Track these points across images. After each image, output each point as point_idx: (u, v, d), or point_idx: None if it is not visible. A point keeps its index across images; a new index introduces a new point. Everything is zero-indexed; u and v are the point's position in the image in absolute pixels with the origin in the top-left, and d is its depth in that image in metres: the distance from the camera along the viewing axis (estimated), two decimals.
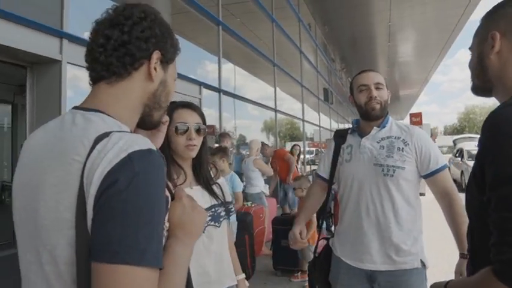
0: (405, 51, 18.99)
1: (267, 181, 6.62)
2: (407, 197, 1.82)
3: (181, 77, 5.45)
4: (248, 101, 8.85)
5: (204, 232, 1.55)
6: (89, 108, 0.82)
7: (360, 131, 1.98)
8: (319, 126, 15.95)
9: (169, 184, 0.89)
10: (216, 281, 1.62)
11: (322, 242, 2.17)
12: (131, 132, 0.82)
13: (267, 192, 5.87)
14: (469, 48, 1.17)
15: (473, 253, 1.07)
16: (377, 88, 1.92)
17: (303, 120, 13.16)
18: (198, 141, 1.61)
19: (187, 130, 1.58)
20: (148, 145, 0.73)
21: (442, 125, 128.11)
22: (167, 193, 0.83)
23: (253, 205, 5.38)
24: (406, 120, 13.97)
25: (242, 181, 6.08)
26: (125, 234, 0.65)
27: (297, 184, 4.50)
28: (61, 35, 3.32)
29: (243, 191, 6.01)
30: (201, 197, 1.62)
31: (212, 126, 7.01)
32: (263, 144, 7.16)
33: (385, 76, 24.75)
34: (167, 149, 1.57)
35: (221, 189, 1.72)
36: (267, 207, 5.69)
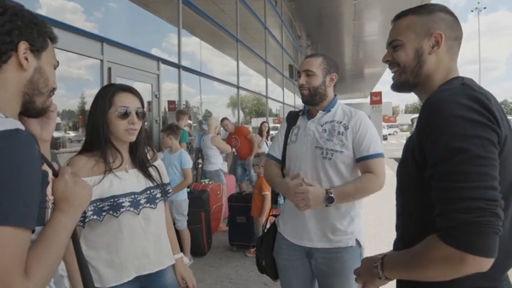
0: (370, 29, 19.17)
1: (226, 158, 6.66)
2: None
3: (138, 52, 5.31)
4: (210, 78, 8.75)
5: (139, 214, 1.59)
6: None
7: (308, 114, 2.06)
8: (283, 103, 16.07)
9: (53, 164, 1.02)
10: (156, 262, 1.67)
11: (271, 219, 2.27)
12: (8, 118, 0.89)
13: (225, 169, 5.93)
14: (393, 41, 1.20)
15: (403, 232, 1.17)
16: (307, 75, 1.97)
17: (267, 97, 13.21)
18: (138, 125, 1.63)
19: (128, 114, 1.59)
20: (15, 125, 0.83)
21: (403, 104, 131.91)
22: (47, 168, 0.96)
23: (210, 182, 5.44)
24: (368, 99, 14.27)
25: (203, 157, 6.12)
26: None
27: (255, 161, 4.58)
28: None
29: (201, 168, 6.07)
30: (136, 180, 1.65)
31: (173, 102, 6.93)
32: (225, 119, 7.17)
33: (351, 54, 25.14)
34: (106, 132, 1.58)
35: (158, 172, 1.75)
36: (225, 184, 5.76)
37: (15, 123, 0.84)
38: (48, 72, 1.02)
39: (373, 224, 5.66)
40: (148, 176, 1.70)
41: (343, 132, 1.89)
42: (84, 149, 1.61)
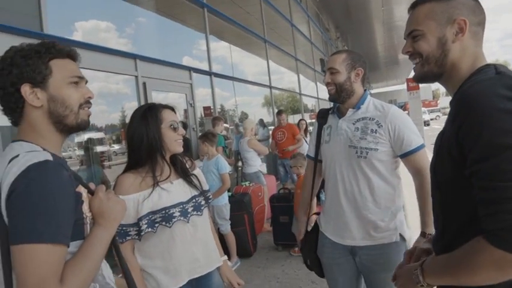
0: (400, 14, 18.59)
1: (265, 159, 6.69)
2: (383, 176, 1.87)
3: (170, 64, 5.47)
4: (241, 81, 8.84)
5: (188, 222, 1.69)
6: (14, 140, 1.08)
7: (338, 112, 2.03)
8: (318, 98, 15.92)
9: (88, 185, 1.15)
10: (205, 265, 1.77)
11: (314, 217, 2.27)
12: (44, 149, 1.04)
13: (264, 170, 5.97)
14: (413, 31, 1.14)
15: (443, 231, 1.08)
16: (331, 73, 1.95)
17: (300, 94, 13.15)
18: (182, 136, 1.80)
19: (177, 127, 1.75)
20: (45, 157, 0.98)
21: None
22: (81, 190, 1.09)
23: (251, 184, 5.50)
24: (405, 85, 13.84)
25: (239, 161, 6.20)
26: (25, 222, 0.91)
27: (293, 162, 4.57)
28: None
29: (241, 171, 6.15)
30: (181, 190, 1.75)
31: (209, 108, 7.07)
32: (282, 112, 7.18)
33: (383, 41, 24.48)
34: (160, 146, 1.71)
35: (198, 180, 1.85)
36: (266, 185, 5.81)
37: (45, 155, 0.99)
38: (62, 94, 1.10)
39: (416, 214, 5.51)
40: (192, 185, 1.80)
41: (376, 130, 1.86)
42: (130, 167, 1.73)
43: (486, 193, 0.87)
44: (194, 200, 1.76)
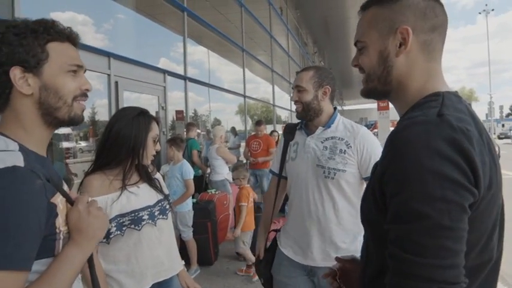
0: None
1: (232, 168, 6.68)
2: (349, 198, 1.84)
3: (144, 65, 5.40)
4: (215, 88, 8.82)
5: (155, 225, 1.70)
6: None
7: (306, 128, 1.99)
8: (291, 111, 16.09)
9: (68, 193, 1.00)
10: (169, 268, 1.78)
11: (272, 234, 2.19)
12: (20, 146, 0.89)
13: (231, 179, 5.95)
14: (357, 42, 0.98)
15: (367, 262, 0.98)
16: (298, 91, 1.92)
17: (274, 105, 13.26)
18: None
19: (156, 141, 1.79)
20: (13, 162, 0.82)
21: None
22: (57, 200, 0.92)
23: (217, 192, 5.47)
24: (375, 104, 14.21)
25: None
26: None
27: (235, 174, 4.44)
28: None
29: (208, 178, 6.11)
30: (147, 194, 1.75)
31: (181, 112, 7.01)
32: (261, 124, 7.18)
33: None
34: (141, 153, 1.70)
35: (159, 184, 1.85)
36: (231, 194, 5.80)
37: (15, 159, 0.83)
38: (57, 83, 0.96)
39: None
40: (157, 189, 1.80)
41: (345, 151, 1.82)
42: (98, 167, 1.68)
43: (392, 260, 0.77)
44: (160, 204, 1.77)
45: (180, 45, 6.75)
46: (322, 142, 1.88)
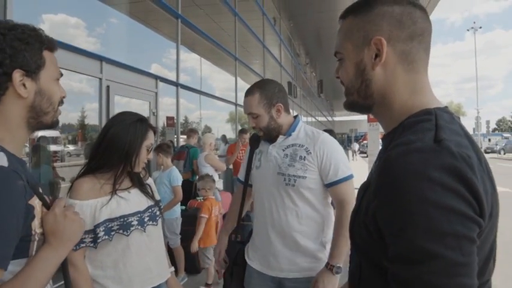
0: None
1: (222, 175, 6.68)
2: (312, 205, 1.81)
3: (137, 70, 5.40)
4: (207, 95, 8.84)
5: (145, 231, 1.67)
6: None
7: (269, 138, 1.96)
8: None
9: (44, 196, 1.00)
10: (157, 276, 1.73)
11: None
12: (5, 151, 0.90)
13: (220, 187, 5.95)
14: (336, 53, 0.94)
15: (361, 282, 0.91)
16: (252, 117, 1.90)
17: None
18: None
19: (150, 150, 1.76)
20: None
21: None
22: (34, 203, 0.94)
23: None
24: (365, 116, 14.32)
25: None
26: None
27: (201, 184, 4.30)
28: None
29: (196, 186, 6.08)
30: (138, 200, 1.72)
31: (172, 118, 7.00)
32: (243, 130, 7.15)
33: None
34: (133, 160, 1.68)
35: (151, 189, 1.83)
36: (220, 201, 5.77)
37: None
38: (51, 89, 1.01)
39: None
40: (148, 194, 1.78)
41: (305, 157, 1.80)
42: (89, 170, 1.65)
43: None
44: (150, 210, 1.74)
45: (173, 51, 6.77)
46: (283, 150, 1.87)
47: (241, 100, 10.30)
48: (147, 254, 1.69)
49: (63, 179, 4.69)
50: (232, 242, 2.15)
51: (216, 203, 4.26)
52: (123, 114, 1.74)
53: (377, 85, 0.86)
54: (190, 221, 4.56)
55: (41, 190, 1.01)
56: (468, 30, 48.87)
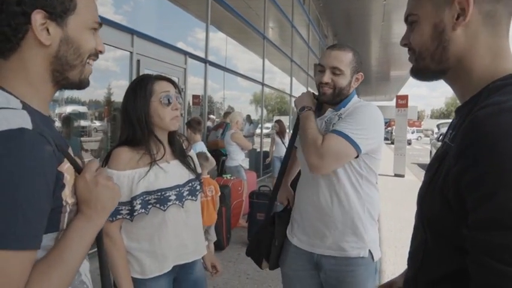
0: (398, 32, 18.82)
1: (248, 155, 6.67)
2: (351, 182, 1.69)
3: (167, 45, 5.37)
4: (235, 74, 8.77)
5: (183, 207, 1.60)
6: None
7: (319, 110, 1.85)
8: None
9: (77, 158, 0.88)
10: (193, 252, 1.69)
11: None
12: (26, 106, 0.78)
13: (246, 165, 5.93)
14: (408, 16, 0.87)
15: (424, 265, 0.85)
16: (333, 73, 1.71)
17: (291, 95, 13.15)
18: (180, 111, 1.63)
19: (171, 101, 1.57)
20: (19, 124, 0.70)
21: (429, 109, 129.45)
22: (64, 169, 0.80)
23: (232, 178, 5.45)
24: (393, 102, 14.02)
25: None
26: None
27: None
28: None
29: (224, 163, 6.09)
30: (179, 172, 1.65)
31: (198, 97, 6.98)
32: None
33: (377, 55, 24.78)
34: (149, 122, 1.56)
35: (193, 162, 1.75)
36: (246, 180, 5.77)
37: (20, 120, 0.72)
38: (80, 39, 0.86)
39: (393, 229, 5.57)
40: (189, 167, 1.70)
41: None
42: (125, 142, 1.57)
43: (486, 274, 0.65)
44: (190, 184, 1.66)
45: (199, 30, 6.71)
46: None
47: (267, 81, 10.25)
48: (184, 229, 1.63)
49: (88, 151, 4.77)
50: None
51: (211, 183, 4.07)
52: (131, 83, 1.63)
53: (455, 48, 0.80)
54: None
55: (71, 151, 0.88)
56: None
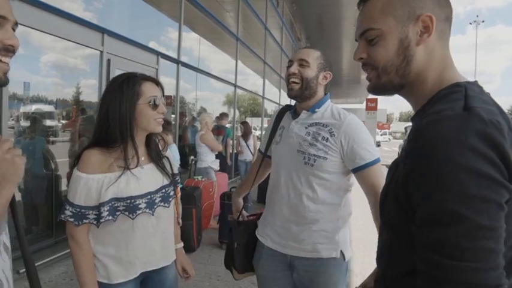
0: None
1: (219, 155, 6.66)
2: (329, 187, 1.73)
3: (139, 45, 5.30)
4: (208, 75, 8.75)
5: (153, 215, 1.55)
6: None
7: (294, 113, 1.88)
8: (279, 104, 16.08)
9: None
10: (161, 258, 1.65)
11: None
12: None
13: (216, 167, 5.90)
14: (367, 31, 0.89)
15: (390, 263, 0.92)
16: (300, 65, 1.77)
17: (263, 97, 13.22)
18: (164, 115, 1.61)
19: (158, 105, 1.54)
20: None
21: (398, 111, 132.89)
22: None
23: (203, 179, 5.44)
24: (363, 105, 14.33)
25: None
26: None
27: None
28: None
29: (195, 165, 6.06)
30: (151, 178, 1.60)
31: (170, 97, 6.91)
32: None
33: (349, 59, 25.18)
34: (133, 124, 1.51)
35: (169, 162, 1.72)
36: (215, 181, 5.76)
37: None
38: None
39: (361, 228, 5.70)
40: (164, 171, 1.66)
41: (327, 138, 1.71)
42: (97, 143, 1.50)
43: (425, 265, 0.71)
44: (163, 191, 1.61)
45: (172, 30, 6.66)
46: (305, 128, 1.78)
47: (240, 82, 10.25)
48: (153, 235, 1.59)
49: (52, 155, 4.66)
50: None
51: None
52: (112, 81, 1.56)
53: (417, 62, 0.86)
54: (187, 200, 4.57)
55: None
56: (471, 23, 48.62)
